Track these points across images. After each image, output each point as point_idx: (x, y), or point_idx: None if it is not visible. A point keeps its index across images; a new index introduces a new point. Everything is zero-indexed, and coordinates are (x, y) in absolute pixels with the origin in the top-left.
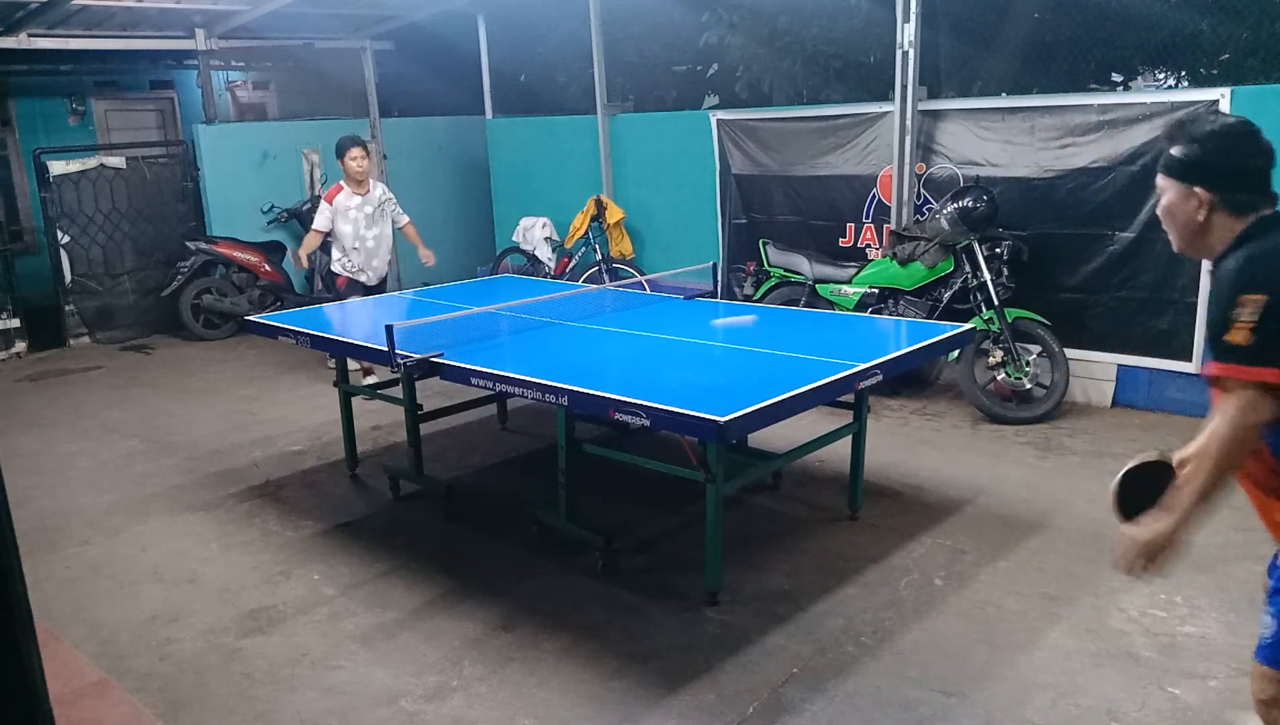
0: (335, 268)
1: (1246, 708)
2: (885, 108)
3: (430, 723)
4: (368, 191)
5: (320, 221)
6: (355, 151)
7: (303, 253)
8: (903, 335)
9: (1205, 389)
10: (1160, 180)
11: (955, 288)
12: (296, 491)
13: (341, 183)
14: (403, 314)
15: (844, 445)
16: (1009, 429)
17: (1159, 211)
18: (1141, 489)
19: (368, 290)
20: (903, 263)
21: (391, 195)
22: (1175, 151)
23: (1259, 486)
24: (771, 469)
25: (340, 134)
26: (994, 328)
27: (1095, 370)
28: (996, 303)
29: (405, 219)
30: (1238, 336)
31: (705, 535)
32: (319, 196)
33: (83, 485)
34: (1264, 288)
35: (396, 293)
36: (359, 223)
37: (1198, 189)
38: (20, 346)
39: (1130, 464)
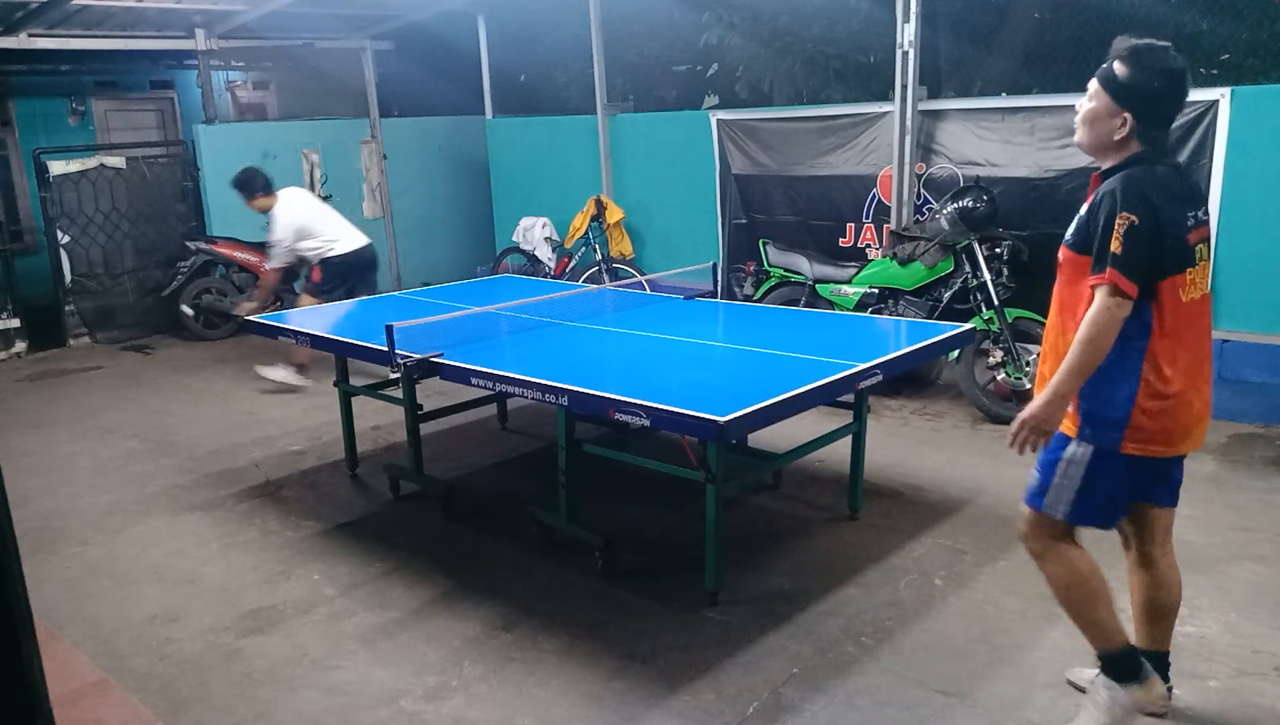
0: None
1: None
2: (885, 108)
3: (430, 723)
4: None
5: None
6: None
7: None
8: (903, 335)
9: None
10: (1095, 88)
11: (955, 288)
12: (296, 491)
13: None
14: (403, 314)
15: (844, 445)
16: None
17: (1082, 114)
18: None
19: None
20: (903, 263)
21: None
22: (1121, 73)
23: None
24: (771, 469)
25: (341, 134)
26: (994, 328)
27: None
28: (996, 303)
29: None
30: (1115, 246)
31: (705, 535)
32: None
33: (83, 485)
34: (1135, 210)
35: (396, 292)
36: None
37: (1127, 114)
38: (20, 346)
39: None
